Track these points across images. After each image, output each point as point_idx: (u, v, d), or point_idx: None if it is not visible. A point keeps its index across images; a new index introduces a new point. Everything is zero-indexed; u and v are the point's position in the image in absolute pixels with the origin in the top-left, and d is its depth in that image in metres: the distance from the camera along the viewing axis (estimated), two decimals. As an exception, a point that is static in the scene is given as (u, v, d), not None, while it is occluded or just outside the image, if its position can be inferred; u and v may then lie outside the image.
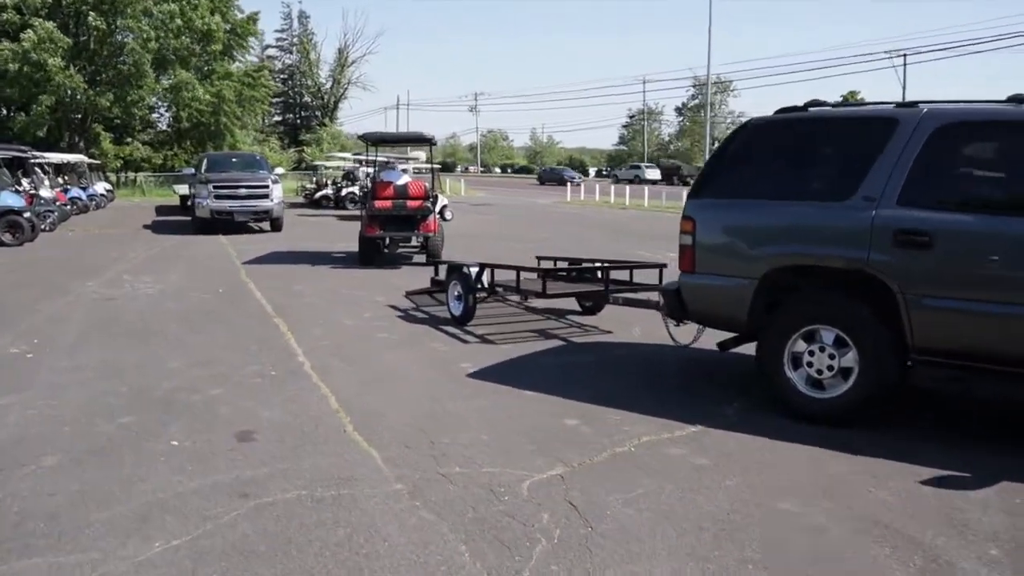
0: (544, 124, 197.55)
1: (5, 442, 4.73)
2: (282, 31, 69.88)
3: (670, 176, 59.82)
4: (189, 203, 25.51)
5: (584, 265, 8.78)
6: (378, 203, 13.21)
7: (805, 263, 5.36)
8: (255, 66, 45.15)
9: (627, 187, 41.46)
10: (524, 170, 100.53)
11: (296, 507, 3.85)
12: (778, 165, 5.74)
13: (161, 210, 27.18)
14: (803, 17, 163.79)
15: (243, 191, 18.96)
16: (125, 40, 35.14)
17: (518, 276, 8.10)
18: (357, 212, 26.52)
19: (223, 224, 19.12)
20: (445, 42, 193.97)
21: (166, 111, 41.90)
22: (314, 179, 34.30)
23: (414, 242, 13.96)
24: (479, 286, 8.29)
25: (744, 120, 5.86)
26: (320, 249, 15.65)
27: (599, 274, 8.68)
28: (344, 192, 29.36)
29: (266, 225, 20.00)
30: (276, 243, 16.70)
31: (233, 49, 42.62)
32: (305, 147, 57.60)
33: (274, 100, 56.03)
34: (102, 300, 9.71)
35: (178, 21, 35.29)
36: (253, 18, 43.39)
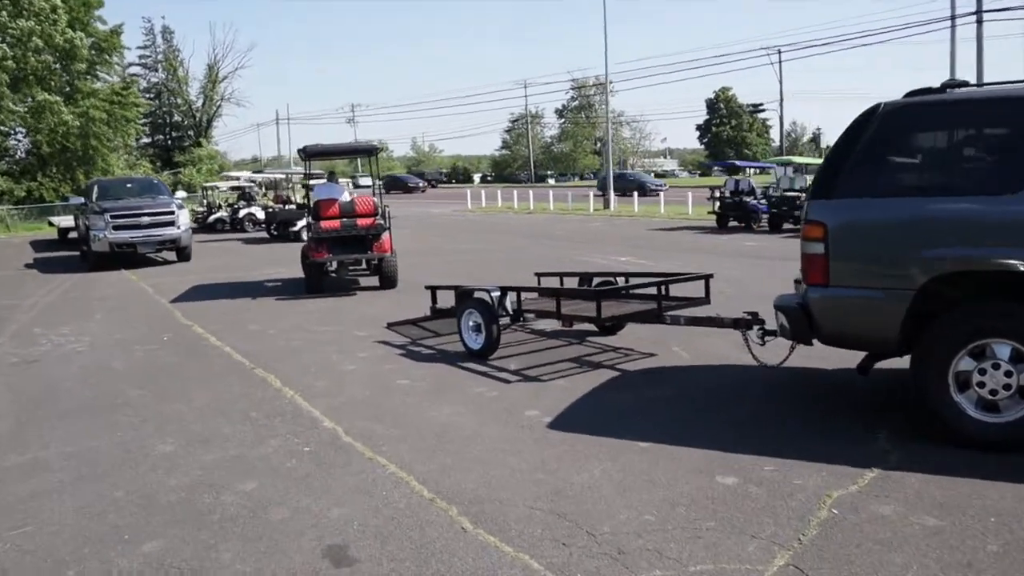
0: (425, 133, 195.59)
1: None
2: (145, 47, 65.02)
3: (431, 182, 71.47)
4: (71, 235, 22.90)
5: (644, 280, 7.53)
6: (324, 224, 11.72)
7: (976, 268, 4.51)
8: (122, 84, 41.55)
9: (529, 191, 40.61)
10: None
11: None
12: (925, 155, 4.91)
13: (38, 246, 24.22)
14: (677, 18, 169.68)
15: (146, 219, 16.83)
16: (-25, 59, 31.46)
17: (558, 300, 6.96)
18: (261, 235, 24.68)
19: (124, 257, 16.96)
20: (321, 54, 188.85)
21: (24, 137, 37.89)
22: (204, 201, 31.69)
23: (363, 264, 12.54)
24: (502, 313, 7.12)
25: (872, 109, 4.92)
26: (248, 279, 13.94)
27: (620, 290, 7.66)
28: (242, 214, 27.23)
29: (171, 255, 17.94)
30: (194, 275, 14.80)
31: (97, 66, 39.14)
32: (182, 168, 53.91)
33: (142, 121, 51.97)
34: (23, 364, 7.88)
35: (36, 40, 31.92)
36: (117, 31, 39.96)
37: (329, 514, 3.94)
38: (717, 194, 24.11)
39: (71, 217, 23.49)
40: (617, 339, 7.80)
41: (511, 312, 7.19)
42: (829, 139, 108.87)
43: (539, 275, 8.81)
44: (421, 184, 67.53)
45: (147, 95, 59.92)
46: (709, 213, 23.70)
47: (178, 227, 17.15)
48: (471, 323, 7.24)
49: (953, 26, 26.43)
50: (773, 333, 5.89)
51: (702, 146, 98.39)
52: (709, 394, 5.89)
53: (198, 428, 5.47)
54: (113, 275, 15.67)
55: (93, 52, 37.69)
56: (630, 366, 6.79)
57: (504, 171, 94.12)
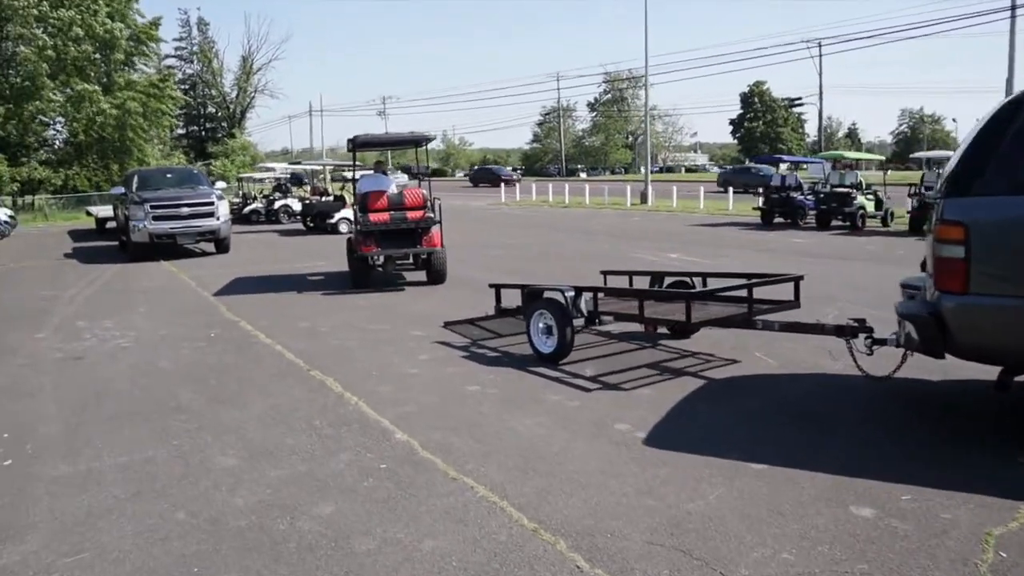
0: (455, 126, 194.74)
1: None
2: (180, 39, 65.40)
3: None
4: (109, 226, 22.79)
5: (729, 282, 6.93)
6: (373, 217, 11.30)
7: None
8: (160, 75, 41.56)
9: (565, 185, 39.97)
10: (437, 173, 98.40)
11: None
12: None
13: (76, 235, 24.14)
14: (709, 11, 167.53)
15: (185, 210, 16.55)
16: (17, 49, 31.50)
17: (641, 302, 6.46)
18: (297, 227, 24.40)
19: (163, 248, 16.71)
20: (353, 46, 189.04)
21: (63, 126, 38.03)
22: (240, 192, 31.55)
23: (409, 258, 12.07)
24: (576, 314, 6.64)
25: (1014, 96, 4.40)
26: (290, 272, 13.61)
27: (712, 293, 7.10)
28: (277, 205, 27.01)
29: (210, 246, 17.69)
30: (234, 268, 14.49)
31: (134, 57, 39.21)
32: (214, 160, 54.01)
33: (176, 112, 52.10)
34: (68, 360, 7.54)
35: (77, 29, 31.92)
36: (156, 23, 40.08)
37: (421, 546, 3.50)
38: (762, 189, 23.38)
39: (109, 207, 23.41)
40: (693, 343, 7.30)
41: (585, 314, 6.70)
42: (866, 135, 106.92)
43: (605, 273, 8.32)
44: (515, 176, 63.68)
45: (182, 87, 60.07)
46: (754, 209, 23.05)
47: (217, 218, 16.86)
48: (542, 325, 6.77)
49: (1013, 16, 25.34)
50: (883, 342, 5.38)
51: (734, 140, 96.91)
52: (809, 407, 5.37)
53: (259, 438, 5.06)
54: (153, 266, 15.42)
55: (131, 43, 37.76)
56: (715, 374, 6.28)
57: (535, 164, 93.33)
